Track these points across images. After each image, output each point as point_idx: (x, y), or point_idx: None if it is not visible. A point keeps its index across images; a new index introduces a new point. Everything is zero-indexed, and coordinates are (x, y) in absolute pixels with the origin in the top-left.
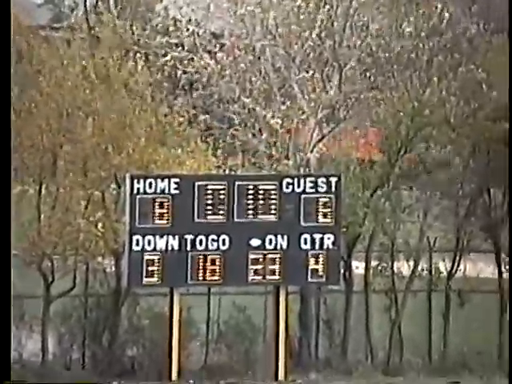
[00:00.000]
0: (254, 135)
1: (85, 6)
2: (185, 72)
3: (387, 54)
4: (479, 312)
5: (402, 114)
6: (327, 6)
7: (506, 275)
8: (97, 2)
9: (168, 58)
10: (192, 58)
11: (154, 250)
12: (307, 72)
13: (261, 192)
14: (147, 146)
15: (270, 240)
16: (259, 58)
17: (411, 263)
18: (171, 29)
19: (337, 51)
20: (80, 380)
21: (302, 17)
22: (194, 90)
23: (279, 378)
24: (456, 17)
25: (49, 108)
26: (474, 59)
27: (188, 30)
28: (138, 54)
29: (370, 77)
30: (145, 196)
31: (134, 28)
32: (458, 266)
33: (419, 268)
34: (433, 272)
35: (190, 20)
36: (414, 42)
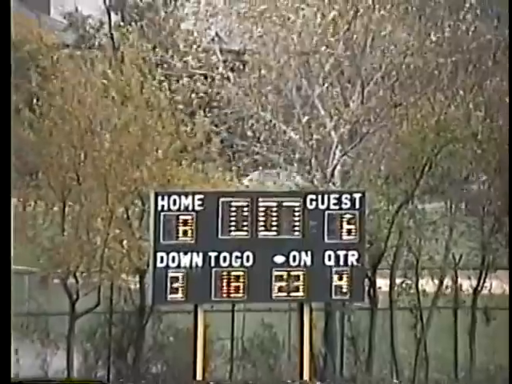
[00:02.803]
0: (276, 152)
1: (109, 26)
2: (205, 92)
3: (410, 69)
4: (505, 329)
5: (426, 129)
6: (347, 25)
7: None
8: (122, 20)
9: (189, 78)
10: (213, 78)
11: (178, 266)
12: (328, 88)
13: (284, 209)
14: (169, 163)
15: (294, 257)
16: (280, 75)
17: (436, 280)
18: (193, 48)
19: (359, 68)
20: None
21: (322, 35)
22: (215, 108)
23: None
24: (480, 31)
25: (70, 126)
26: (498, 74)
27: (210, 49)
28: (160, 73)
29: (393, 92)
30: (169, 213)
31: (157, 48)
32: (484, 282)
33: (444, 285)
34: (458, 289)
35: (213, 39)
36: (437, 57)
